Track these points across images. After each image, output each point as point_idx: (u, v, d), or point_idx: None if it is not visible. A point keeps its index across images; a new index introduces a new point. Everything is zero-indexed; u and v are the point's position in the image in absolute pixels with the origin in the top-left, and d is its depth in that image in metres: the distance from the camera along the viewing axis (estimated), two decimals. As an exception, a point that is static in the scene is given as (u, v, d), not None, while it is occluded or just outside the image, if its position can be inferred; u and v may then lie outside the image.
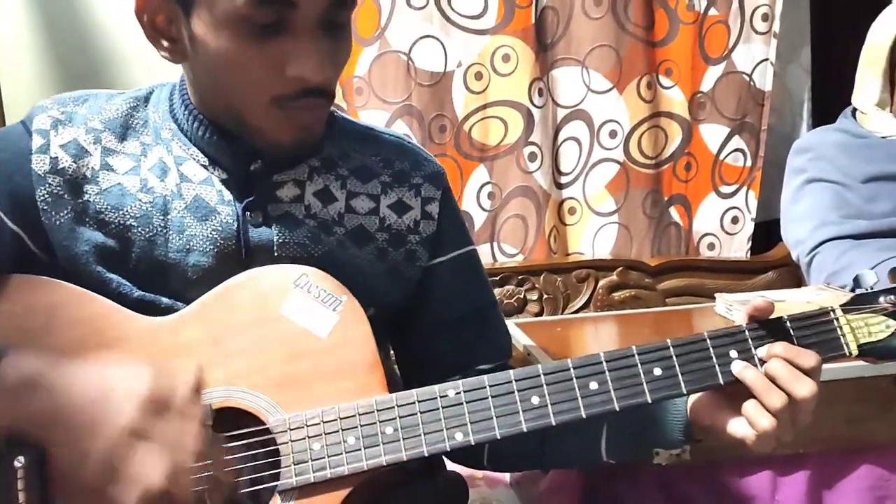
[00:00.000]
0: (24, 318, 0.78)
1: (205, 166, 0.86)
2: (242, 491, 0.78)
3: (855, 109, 1.67)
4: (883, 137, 1.56)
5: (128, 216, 0.83)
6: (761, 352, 0.77)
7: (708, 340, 0.78)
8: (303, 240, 0.86)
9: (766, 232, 1.94)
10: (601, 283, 1.80)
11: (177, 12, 0.78)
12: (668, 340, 0.78)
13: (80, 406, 0.66)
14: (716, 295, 1.48)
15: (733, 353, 0.77)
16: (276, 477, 0.77)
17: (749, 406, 0.76)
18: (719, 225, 1.93)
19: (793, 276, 1.82)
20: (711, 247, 1.94)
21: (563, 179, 1.86)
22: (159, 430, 0.66)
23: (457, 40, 1.75)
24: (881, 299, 0.78)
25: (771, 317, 0.78)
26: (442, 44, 1.74)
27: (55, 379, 0.68)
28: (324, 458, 0.77)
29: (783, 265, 1.86)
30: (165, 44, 0.81)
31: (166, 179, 0.85)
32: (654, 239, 1.90)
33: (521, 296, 1.76)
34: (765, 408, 0.75)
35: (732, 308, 1.39)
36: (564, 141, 1.84)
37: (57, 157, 0.83)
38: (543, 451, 0.91)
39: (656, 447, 0.93)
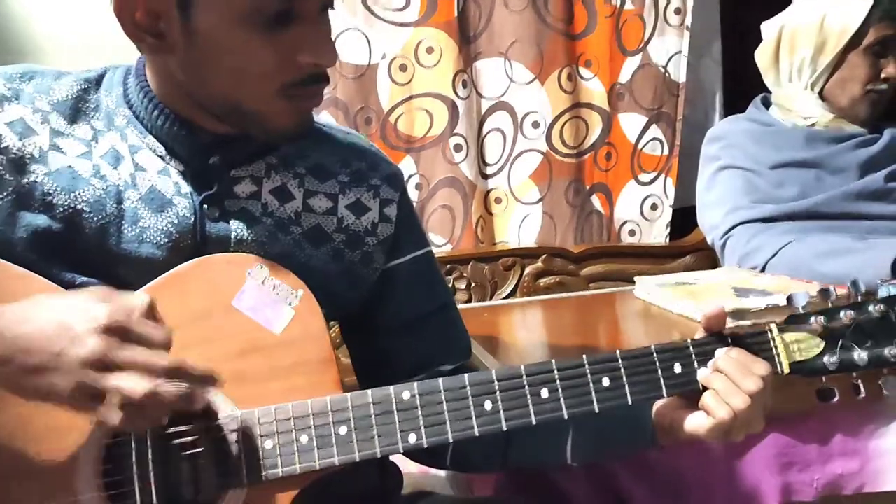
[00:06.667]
0: None
1: (161, 157, 0.84)
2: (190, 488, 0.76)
3: (765, 98, 1.75)
4: (794, 125, 1.65)
5: (79, 200, 0.80)
6: (720, 355, 0.81)
7: (654, 354, 0.81)
8: (260, 237, 0.85)
9: (684, 218, 2.01)
10: (527, 270, 1.84)
11: (168, 8, 0.76)
12: (618, 352, 0.81)
13: (38, 342, 0.64)
14: (635, 279, 1.54)
15: (677, 368, 0.81)
16: (226, 474, 0.76)
17: (708, 396, 0.79)
18: (639, 212, 2.00)
19: (709, 259, 1.89)
20: (632, 233, 2.01)
21: (489, 170, 1.90)
22: (125, 355, 0.64)
23: (381, 33, 1.76)
24: (812, 320, 0.83)
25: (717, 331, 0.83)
26: (366, 36, 1.75)
27: (4, 321, 0.65)
28: (276, 456, 0.76)
29: (700, 249, 1.93)
30: (150, 40, 0.78)
31: (119, 168, 0.82)
32: (577, 226, 1.95)
33: (451, 284, 1.79)
34: (726, 403, 0.78)
35: (651, 292, 1.45)
36: (489, 132, 1.88)
37: (0, 135, 0.79)
38: (507, 452, 0.93)
39: (620, 452, 0.95)
